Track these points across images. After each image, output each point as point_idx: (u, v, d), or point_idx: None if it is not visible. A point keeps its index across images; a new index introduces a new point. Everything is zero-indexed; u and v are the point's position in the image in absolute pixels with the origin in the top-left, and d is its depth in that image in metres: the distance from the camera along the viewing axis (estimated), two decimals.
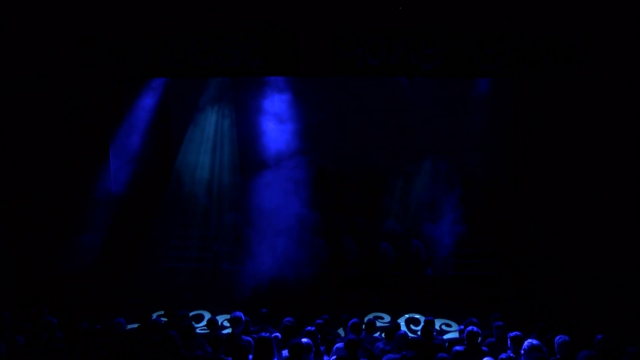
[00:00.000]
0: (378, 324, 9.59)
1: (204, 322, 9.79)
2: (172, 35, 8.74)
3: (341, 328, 8.36)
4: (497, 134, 12.91)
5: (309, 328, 6.88)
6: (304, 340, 6.16)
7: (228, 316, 8.97)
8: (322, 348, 6.78)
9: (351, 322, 7.22)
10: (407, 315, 10.27)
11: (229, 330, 8.88)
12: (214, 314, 10.00)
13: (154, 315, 8.12)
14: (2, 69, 9.30)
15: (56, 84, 9.48)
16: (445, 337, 9.14)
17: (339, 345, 6.62)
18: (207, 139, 13.06)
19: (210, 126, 13.08)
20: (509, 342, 6.46)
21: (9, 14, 9.10)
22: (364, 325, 7.48)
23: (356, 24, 8.54)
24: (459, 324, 9.92)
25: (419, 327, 9.24)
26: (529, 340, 6.05)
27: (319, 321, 7.60)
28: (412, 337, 6.82)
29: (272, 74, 10.47)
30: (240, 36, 8.69)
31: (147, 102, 11.70)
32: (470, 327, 6.60)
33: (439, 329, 9.72)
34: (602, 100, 8.88)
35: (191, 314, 9.80)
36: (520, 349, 6.04)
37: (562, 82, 9.37)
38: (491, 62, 8.47)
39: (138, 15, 8.77)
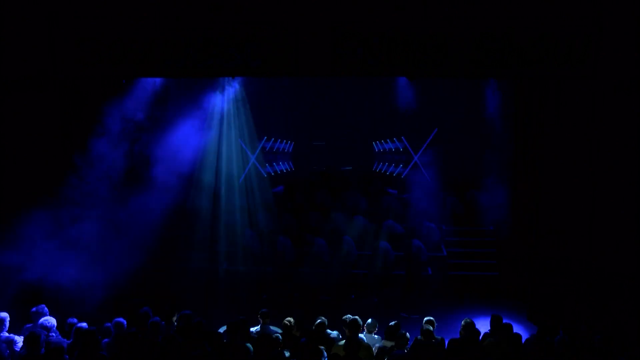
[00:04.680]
0: None
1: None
2: (172, 35, 8.74)
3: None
4: (498, 133, 12.90)
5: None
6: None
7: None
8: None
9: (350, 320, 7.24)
10: None
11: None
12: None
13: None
14: (2, 69, 9.30)
15: (56, 84, 9.47)
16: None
17: None
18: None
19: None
20: None
21: (9, 14, 9.10)
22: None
23: (356, 24, 8.53)
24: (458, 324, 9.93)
25: None
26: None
27: (318, 321, 7.60)
28: None
29: (272, 74, 10.45)
30: (240, 36, 8.69)
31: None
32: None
33: None
34: (602, 100, 8.86)
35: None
36: None
37: (562, 82, 9.36)
38: (491, 62, 8.47)
39: (138, 15, 8.76)
